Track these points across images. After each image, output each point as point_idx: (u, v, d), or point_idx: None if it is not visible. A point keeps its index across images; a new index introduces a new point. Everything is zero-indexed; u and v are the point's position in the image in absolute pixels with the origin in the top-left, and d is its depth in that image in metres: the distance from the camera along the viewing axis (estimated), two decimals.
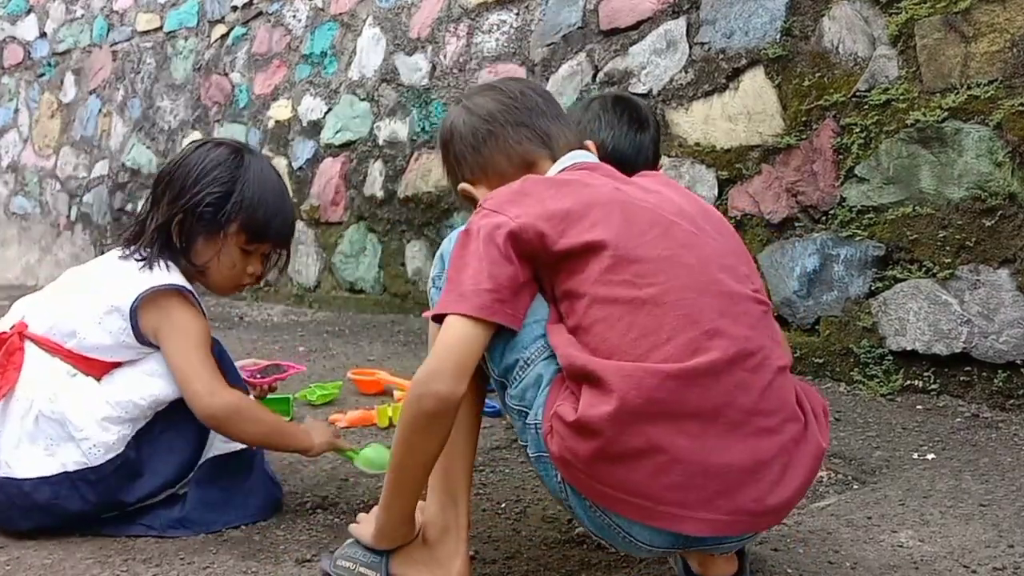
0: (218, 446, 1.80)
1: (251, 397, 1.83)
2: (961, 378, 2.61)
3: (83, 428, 1.69)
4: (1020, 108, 2.49)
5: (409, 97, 4.46)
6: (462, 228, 1.40)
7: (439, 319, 1.32)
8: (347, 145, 4.77)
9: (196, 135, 5.53)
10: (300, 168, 5.02)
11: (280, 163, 5.11)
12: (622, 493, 1.22)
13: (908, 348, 2.70)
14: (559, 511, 1.84)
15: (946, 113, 2.63)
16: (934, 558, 1.58)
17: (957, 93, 2.62)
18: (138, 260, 1.79)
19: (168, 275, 1.78)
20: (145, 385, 1.73)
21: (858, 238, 2.82)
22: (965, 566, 1.55)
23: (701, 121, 3.24)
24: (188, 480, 1.78)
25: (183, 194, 1.80)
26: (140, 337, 1.74)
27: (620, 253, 1.29)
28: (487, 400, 2.53)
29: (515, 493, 1.97)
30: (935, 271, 2.65)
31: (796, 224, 2.99)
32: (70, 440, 1.69)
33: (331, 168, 4.85)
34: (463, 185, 1.58)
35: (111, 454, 1.69)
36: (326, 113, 4.89)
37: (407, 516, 1.42)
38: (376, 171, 4.61)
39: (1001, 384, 2.52)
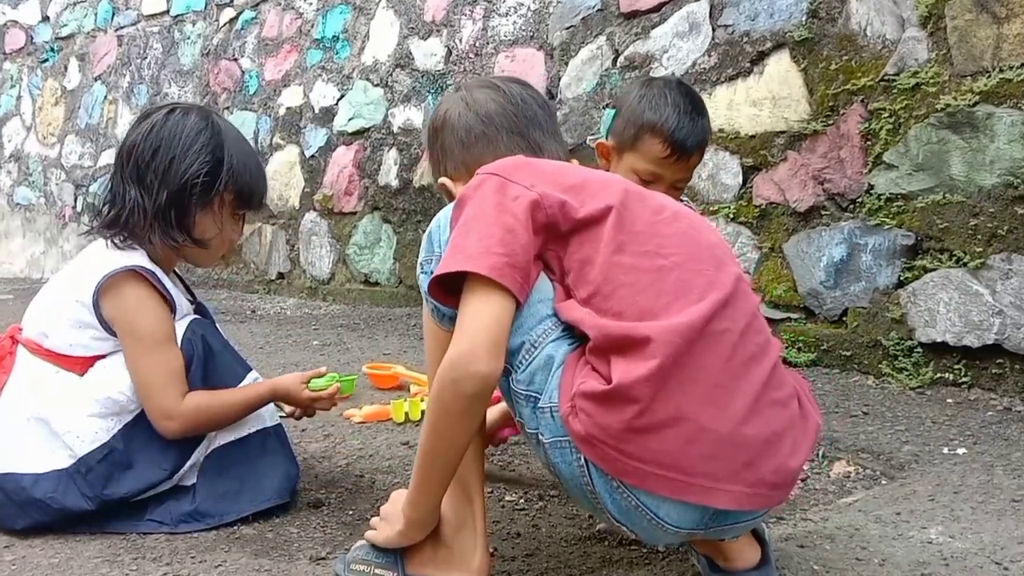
0: (223, 435, 1.77)
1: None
2: (993, 370, 2.57)
3: (67, 424, 1.68)
4: None
5: (424, 83, 4.41)
6: (455, 202, 1.39)
7: (440, 299, 1.32)
8: (361, 133, 4.73)
9: None
10: (312, 156, 4.98)
11: (292, 151, 5.07)
12: (654, 467, 1.20)
13: (938, 340, 2.66)
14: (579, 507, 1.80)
15: (977, 97, 2.59)
16: (965, 554, 1.55)
17: (989, 76, 2.57)
18: (112, 247, 1.76)
19: (126, 255, 1.74)
20: (124, 379, 1.72)
21: (886, 227, 2.77)
22: (997, 563, 1.52)
23: (725, 106, 3.19)
24: (189, 470, 1.75)
25: (172, 167, 1.76)
26: (108, 328, 1.73)
27: (639, 228, 1.31)
28: None
29: (535, 488, 1.94)
30: (966, 260, 2.60)
31: (823, 212, 2.95)
32: (57, 438, 1.69)
33: (344, 156, 4.80)
34: (443, 180, 1.57)
35: (95, 444, 1.68)
36: (339, 99, 4.84)
37: (438, 505, 1.40)
38: (391, 159, 4.56)
39: None
